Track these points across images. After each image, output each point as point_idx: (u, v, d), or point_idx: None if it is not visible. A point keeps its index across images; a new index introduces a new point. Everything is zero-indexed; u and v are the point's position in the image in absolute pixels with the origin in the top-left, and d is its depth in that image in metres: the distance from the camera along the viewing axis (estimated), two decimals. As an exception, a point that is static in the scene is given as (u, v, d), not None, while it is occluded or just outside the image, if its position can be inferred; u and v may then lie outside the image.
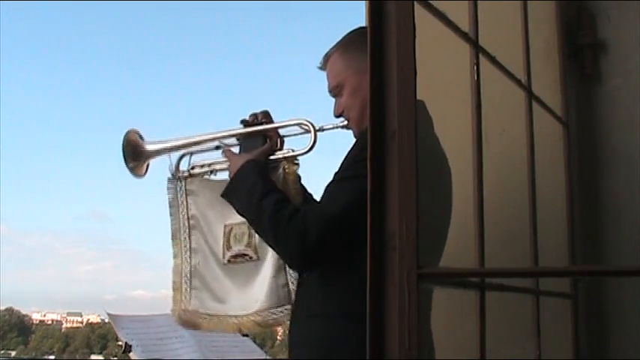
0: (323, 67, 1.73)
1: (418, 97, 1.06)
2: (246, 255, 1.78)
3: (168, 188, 1.93)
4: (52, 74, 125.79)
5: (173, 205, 1.91)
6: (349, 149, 1.56)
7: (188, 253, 1.87)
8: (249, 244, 1.77)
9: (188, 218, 1.88)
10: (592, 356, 1.81)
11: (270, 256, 1.73)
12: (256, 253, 1.76)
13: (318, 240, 1.46)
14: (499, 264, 1.55)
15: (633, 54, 1.81)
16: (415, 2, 1.09)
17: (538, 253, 1.63)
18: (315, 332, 1.52)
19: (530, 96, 1.67)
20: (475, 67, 1.38)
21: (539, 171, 1.66)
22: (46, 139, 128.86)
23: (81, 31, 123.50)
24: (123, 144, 1.86)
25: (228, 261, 1.80)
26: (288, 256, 1.56)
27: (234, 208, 1.67)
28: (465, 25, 1.37)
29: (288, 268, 1.70)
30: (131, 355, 3.38)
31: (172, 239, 1.91)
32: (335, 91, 1.70)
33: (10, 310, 68.96)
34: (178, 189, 1.91)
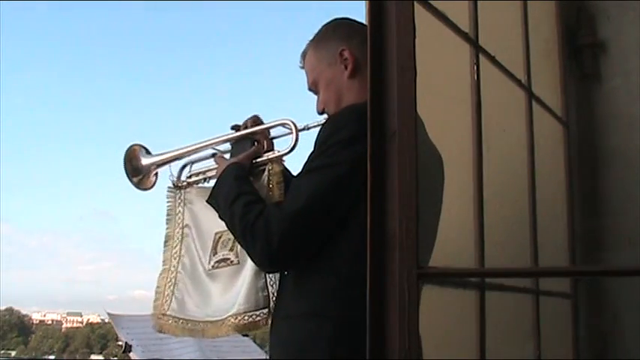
0: (303, 66, 1.72)
1: (418, 97, 1.05)
2: (228, 259, 1.78)
3: (167, 197, 1.94)
4: (53, 74, 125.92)
5: (170, 213, 1.93)
6: (316, 137, 1.52)
7: (177, 259, 1.88)
8: (231, 249, 1.77)
9: (182, 227, 1.89)
10: (592, 356, 1.81)
11: (250, 260, 1.73)
12: (237, 257, 1.75)
13: (281, 240, 1.44)
14: (499, 264, 1.55)
15: (633, 54, 1.81)
16: (415, 2, 1.09)
17: (538, 253, 1.63)
18: (290, 333, 1.51)
19: (530, 96, 1.67)
20: (475, 67, 1.39)
21: (539, 171, 1.66)
22: (46, 138, 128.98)
23: (86, 34, 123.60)
24: (123, 162, 1.88)
25: (213, 267, 1.80)
26: (255, 258, 1.55)
27: (218, 213, 1.67)
28: (465, 25, 1.37)
29: None
30: (131, 355, 3.39)
31: (164, 246, 1.92)
32: (313, 87, 1.69)
33: (10, 310, 68.99)
34: (177, 198, 1.92)
